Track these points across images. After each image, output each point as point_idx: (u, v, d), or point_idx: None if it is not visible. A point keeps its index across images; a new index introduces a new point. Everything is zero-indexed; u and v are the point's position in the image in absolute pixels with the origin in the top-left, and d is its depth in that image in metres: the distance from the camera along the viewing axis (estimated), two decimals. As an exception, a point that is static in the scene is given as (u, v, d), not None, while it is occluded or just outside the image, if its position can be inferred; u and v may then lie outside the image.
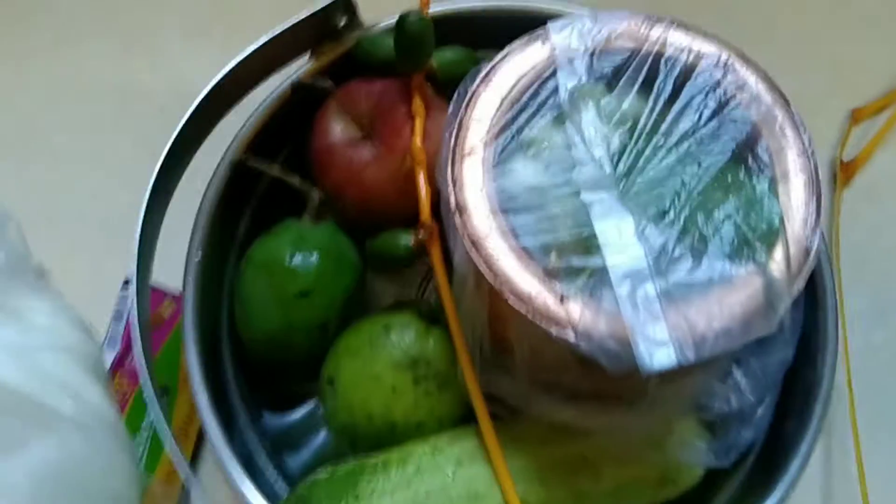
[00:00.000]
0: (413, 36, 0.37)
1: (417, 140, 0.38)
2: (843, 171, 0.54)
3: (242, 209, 0.42)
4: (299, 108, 0.41)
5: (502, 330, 0.35)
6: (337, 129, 0.40)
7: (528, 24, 0.40)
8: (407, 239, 0.36)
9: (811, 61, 0.57)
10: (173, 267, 0.39)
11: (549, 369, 0.34)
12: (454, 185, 0.32)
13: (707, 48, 0.33)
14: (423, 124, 0.38)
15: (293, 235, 0.39)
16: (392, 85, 0.40)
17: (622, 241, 0.30)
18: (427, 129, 0.39)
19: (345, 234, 0.41)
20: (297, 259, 0.39)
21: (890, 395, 0.50)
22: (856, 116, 0.55)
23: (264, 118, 0.39)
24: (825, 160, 0.54)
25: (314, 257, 0.39)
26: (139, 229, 0.35)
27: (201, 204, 0.38)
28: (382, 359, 0.37)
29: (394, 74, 0.40)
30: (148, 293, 0.35)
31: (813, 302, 0.38)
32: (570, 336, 0.29)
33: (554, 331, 0.29)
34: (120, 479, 0.30)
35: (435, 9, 0.41)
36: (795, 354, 0.36)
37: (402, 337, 0.37)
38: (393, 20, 0.41)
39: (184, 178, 0.38)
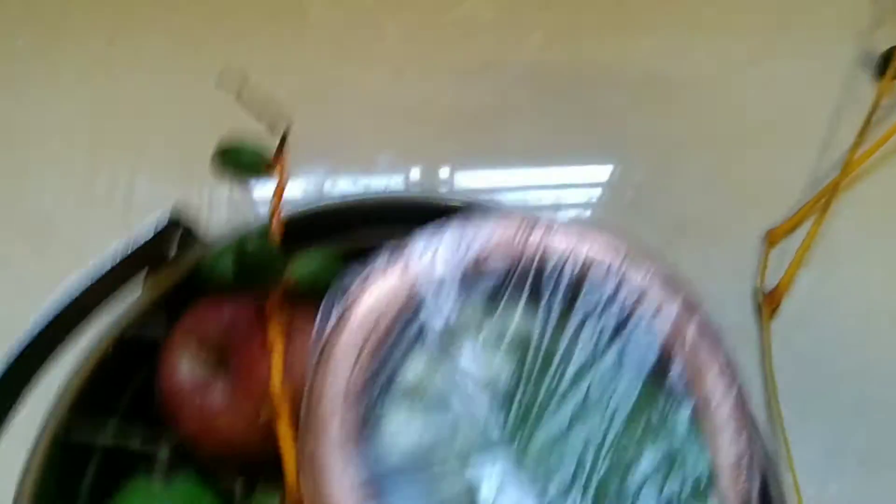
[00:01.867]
0: (256, 262, 0.31)
1: (276, 382, 0.31)
2: (767, 303, 0.49)
3: (77, 486, 0.34)
4: (140, 349, 0.34)
5: None
6: (184, 368, 0.34)
7: (397, 214, 0.35)
8: (272, 509, 0.30)
9: (718, 184, 0.53)
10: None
11: None
12: (312, 474, 0.25)
13: (594, 253, 0.28)
14: (282, 359, 0.32)
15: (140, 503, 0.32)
16: (243, 308, 0.34)
17: (522, 533, 0.24)
18: (289, 361, 0.32)
19: (209, 484, 0.34)
20: (146, 539, 0.31)
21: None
22: (771, 239, 0.51)
23: (86, 375, 0.32)
24: (746, 292, 0.50)
25: (167, 532, 0.32)
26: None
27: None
28: None
29: (246, 292, 0.34)
30: None
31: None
32: None
33: None
34: None
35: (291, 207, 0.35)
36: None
37: None
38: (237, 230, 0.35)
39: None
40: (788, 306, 0.50)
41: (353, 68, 0.56)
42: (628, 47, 0.57)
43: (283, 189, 0.35)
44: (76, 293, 0.31)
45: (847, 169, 0.52)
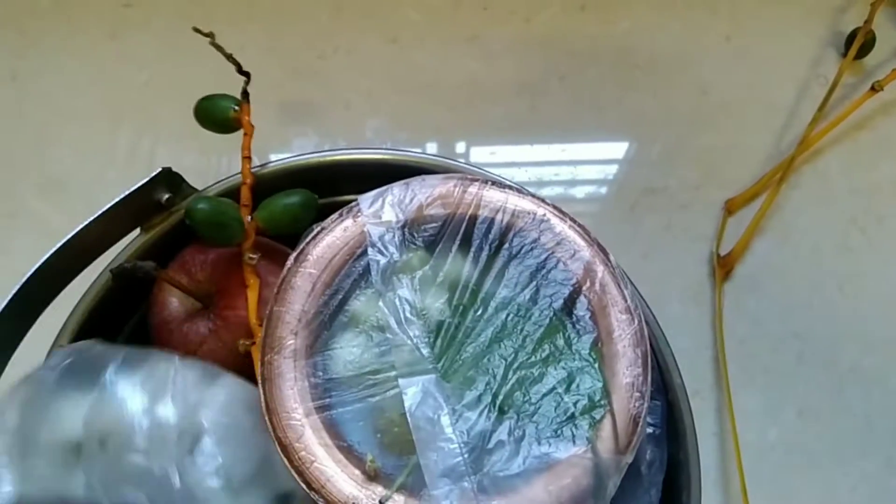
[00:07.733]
0: (208, 222, 0.36)
1: (252, 316, 0.36)
2: (722, 266, 0.53)
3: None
4: (137, 283, 0.39)
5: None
6: (173, 302, 0.38)
7: (370, 171, 0.39)
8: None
9: (681, 155, 0.57)
10: None
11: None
12: (263, 385, 0.30)
13: (522, 205, 0.33)
14: (256, 296, 0.37)
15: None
16: (225, 251, 0.38)
17: (436, 434, 0.28)
18: (263, 296, 0.37)
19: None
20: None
21: (786, 495, 0.49)
22: (729, 207, 0.55)
23: (89, 306, 0.37)
24: (703, 256, 0.54)
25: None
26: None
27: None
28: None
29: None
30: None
31: (675, 439, 0.36)
32: (391, 544, 0.27)
33: (374, 539, 0.28)
34: None
35: (268, 162, 0.40)
36: (661, 495, 0.35)
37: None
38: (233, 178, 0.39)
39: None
40: (742, 271, 0.54)
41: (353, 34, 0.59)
42: (605, 27, 0.60)
43: (250, 139, 0.39)
44: (79, 230, 0.36)
45: (803, 145, 0.55)
